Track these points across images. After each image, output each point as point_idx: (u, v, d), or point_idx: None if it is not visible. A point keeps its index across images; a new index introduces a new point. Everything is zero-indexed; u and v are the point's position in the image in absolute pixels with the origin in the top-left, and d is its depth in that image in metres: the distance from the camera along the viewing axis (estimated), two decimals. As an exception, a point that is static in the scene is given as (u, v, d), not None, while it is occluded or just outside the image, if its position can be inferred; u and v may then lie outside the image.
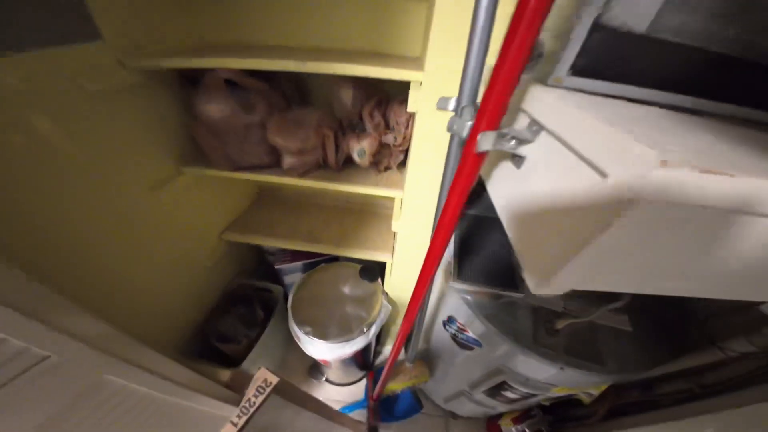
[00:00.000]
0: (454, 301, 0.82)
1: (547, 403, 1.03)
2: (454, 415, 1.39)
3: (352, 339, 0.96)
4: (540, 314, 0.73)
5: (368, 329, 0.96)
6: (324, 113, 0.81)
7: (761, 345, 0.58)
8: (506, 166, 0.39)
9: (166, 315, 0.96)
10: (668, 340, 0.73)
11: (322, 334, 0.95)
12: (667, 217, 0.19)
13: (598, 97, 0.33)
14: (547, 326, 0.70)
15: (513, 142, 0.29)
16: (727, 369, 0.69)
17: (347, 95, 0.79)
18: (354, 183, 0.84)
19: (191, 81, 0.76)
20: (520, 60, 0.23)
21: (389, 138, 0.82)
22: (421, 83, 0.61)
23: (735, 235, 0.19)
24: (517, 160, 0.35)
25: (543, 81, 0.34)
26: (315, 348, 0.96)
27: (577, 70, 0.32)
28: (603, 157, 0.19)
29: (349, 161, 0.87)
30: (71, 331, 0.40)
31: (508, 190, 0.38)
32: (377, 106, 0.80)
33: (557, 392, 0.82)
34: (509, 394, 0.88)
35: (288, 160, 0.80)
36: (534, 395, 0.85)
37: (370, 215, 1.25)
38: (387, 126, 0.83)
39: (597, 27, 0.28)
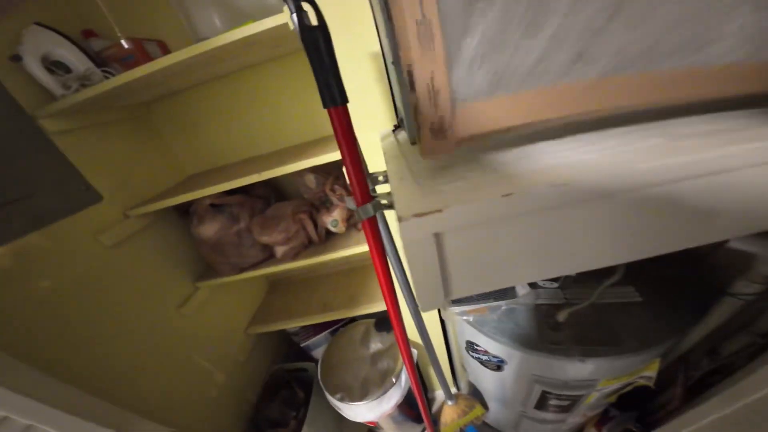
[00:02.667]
0: (464, 326, 0.84)
1: (613, 400, 0.95)
2: (533, 444, 1.27)
3: (387, 392, 0.97)
4: (541, 312, 0.74)
5: (397, 379, 0.97)
6: (296, 201, 0.95)
7: (759, 280, 0.56)
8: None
9: (212, 414, 1.04)
10: (684, 300, 0.70)
11: (357, 396, 0.97)
12: (472, 234, 0.27)
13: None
14: (549, 322, 0.71)
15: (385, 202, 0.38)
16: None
17: (309, 181, 0.94)
18: (340, 249, 0.94)
19: (185, 212, 0.94)
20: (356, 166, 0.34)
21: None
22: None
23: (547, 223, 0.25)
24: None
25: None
26: (354, 411, 0.97)
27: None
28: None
29: (330, 232, 0.98)
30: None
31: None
32: (336, 181, 0.93)
33: (606, 385, 0.77)
34: (557, 402, 0.84)
35: (279, 250, 0.92)
36: (582, 395, 0.81)
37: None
38: (349, 193, 0.96)
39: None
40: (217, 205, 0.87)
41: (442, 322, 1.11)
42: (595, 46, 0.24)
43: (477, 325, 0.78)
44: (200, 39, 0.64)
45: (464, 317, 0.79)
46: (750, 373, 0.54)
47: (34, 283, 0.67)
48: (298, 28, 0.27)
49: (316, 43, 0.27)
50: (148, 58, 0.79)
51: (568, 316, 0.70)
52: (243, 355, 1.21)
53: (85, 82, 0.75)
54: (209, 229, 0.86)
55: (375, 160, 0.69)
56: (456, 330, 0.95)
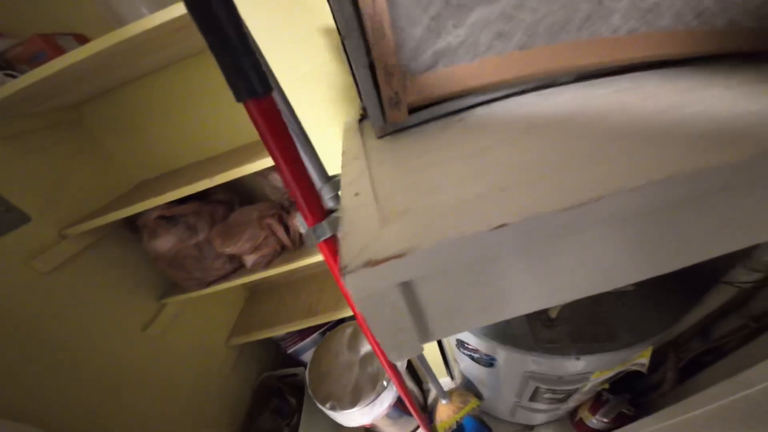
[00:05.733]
0: (453, 325, 0.79)
1: (606, 386, 0.94)
2: (530, 427, 1.29)
3: (379, 395, 0.93)
4: (533, 309, 0.70)
5: (389, 382, 0.93)
6: (263, 204, 0.86)
7: (760, 268, 0.53)
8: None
9: (204, 428, 0.98)
10: (677, 288, 0.67)
11: (348, 402, 0.93)
12: (454, 275, 0.20)
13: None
14: (542, 319, 0.67)
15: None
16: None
17: (276, 180, 0.84)
18: (317, 253, 0.86)
19: (134, 226, 0.83)
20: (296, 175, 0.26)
21: (328, 200, 0.85)
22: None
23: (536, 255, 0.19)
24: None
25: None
26: (347, 418, 0.93)
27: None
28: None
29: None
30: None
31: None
32: (305, 178, 0.84)
33: (599, 376, 0.75)
34: (551, 395, 0.82)
35: (248, 259, 0.84)
36: (576, 389, 0.79)
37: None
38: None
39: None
40: (169, 216, 0.76)
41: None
42: (509, 26, 0.30)
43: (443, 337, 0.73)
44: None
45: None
46: (748, 363, 0.51)
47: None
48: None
49: (207, 7, 0.18)
50: (63, 54, 0.67)
51: (561, 310, 0.66)
52: (227, 368, 1.14)
53: (-18, 87, 0.61)
54: (163, 244, 0.76)
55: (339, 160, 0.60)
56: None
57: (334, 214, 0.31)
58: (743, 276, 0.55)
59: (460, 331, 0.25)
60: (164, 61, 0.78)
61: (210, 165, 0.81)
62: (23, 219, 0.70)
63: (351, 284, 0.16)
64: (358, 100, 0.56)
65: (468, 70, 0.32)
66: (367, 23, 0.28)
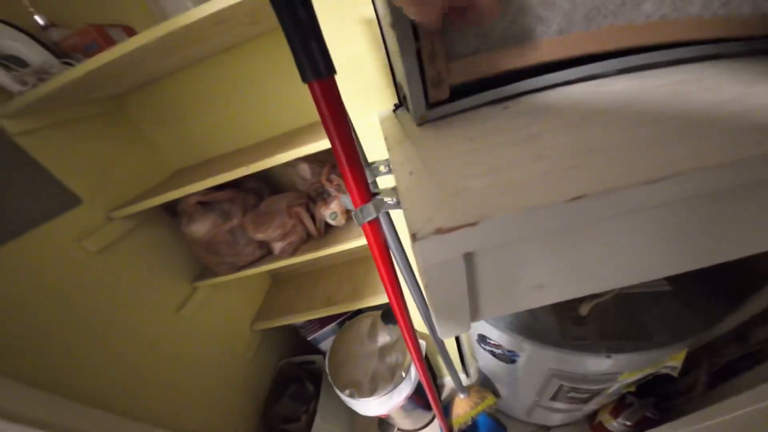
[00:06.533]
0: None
1: (632, 389, 0.92)
2: (546, 428, 1.27)
3: (397, 386, 0.94)
4: (561, 305, 0.69)
5: (407, 372, 0.94)
6: (292, 194, 0.88)
7: None
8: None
9: (224, 415, 1.02)
10: (717, 289, 0.64)
11: (367, 391, 0.95)
12: (515, 249, 0.20)
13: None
14: (572, 316, 0.65)
15: (390, 201, 0.31)
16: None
17: (304, 170, 0.86)
18: (341, 242, 0.88)
19: (174, 211, 0.88)
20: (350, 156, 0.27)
21: (354, 191, 0.87)
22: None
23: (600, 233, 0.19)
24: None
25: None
26: (364, 407, 0.95)
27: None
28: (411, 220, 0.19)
29: (330, 225, 0.92)
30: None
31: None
32: (332, 170, 0.86)
33: (627, 378, 0.73)
34: (574, 395, 0.80)
35: (277, 246, 0.87)
36: (601, 389, 0.77)
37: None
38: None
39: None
40: (206, 202, 0.80)
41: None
42: (549, 13, 0.31)
43: (491, 319, 0.73)
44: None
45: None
46: None
47: (15, 298, 0.62)
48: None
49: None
50: (114, 44, 0.71)
51: (592, 308, 0.65)
52: (250, 352, 1.19)
53: (43, 75, 0.66)
54: (200, 228, 0.80)
55: (375, 148, 0.61)
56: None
57: (378, 197, 0.32)
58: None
59: (507, 311, 0.25)
60: (203, 53, 0.81)
61: (244, 155, 0.84)
62: (76, 201, 0.75)
63: (420, 251, 0.17)
64: (393, 91, 0.57)
65: (508, 54, 0.33)
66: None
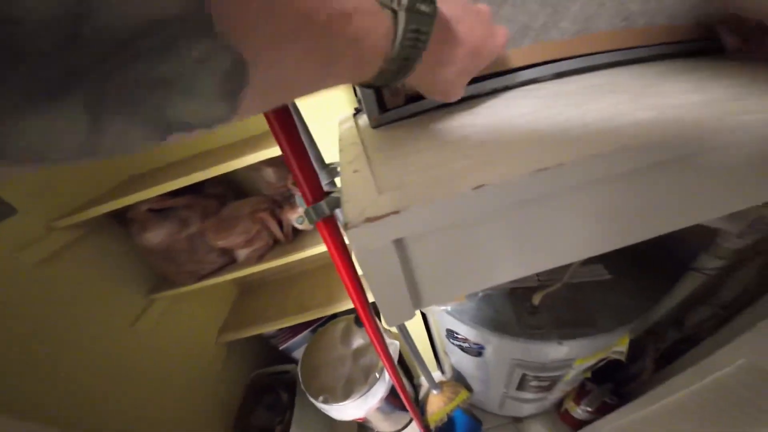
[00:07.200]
0: (443, 315, 0.82)
1: (588, 375, 0.99)
2: (518, 419, 1.32)
3: (372, 387, 0.94)
4: (517, 296, 0.73)
5: (381, 374, 0.95)
6: (255, 198, 0.87)
7: (723, 255, 0.57)
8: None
9: (195, 427, 0.97)
10: (650, 276, 0.72)
11: (341, 395, 0.94)
12: (441, 236, 0.22)
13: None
14: (526, 306, 0.70)
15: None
16: (733, 283, 0.66)
17: (269, 174, 0.85)
18: (310, 246, 0.87)
19: (123, 219, 0.82)
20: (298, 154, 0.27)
21: (322, 194, 0.87)
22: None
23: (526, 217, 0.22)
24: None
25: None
26: (339, 412, 0.94)
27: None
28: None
29: (298, 229, 0.91)
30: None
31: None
32: (298, 173, 0.85)
33: (581, 363, 0.79)
34: (537, 383, 0.85)
35: (241, 254, 0.84)
36: (560, 375, 0.82)
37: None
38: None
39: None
40: (159, 209, 0.76)
41: (422, 312, 1.09)
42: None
43: (456, 313, 0.75)
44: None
45: (442, 307, 0.77)
46: (715, 349, 0.56)
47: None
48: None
49: None
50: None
51: (543, 298, 0.69)
52: (218, 364, 1.13)
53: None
54: (154, 236, 0.76)
55: (335, 150, 0.62)
56: (436, 318, 0.93)
57: (332, 195, 0.33)
58: (709, 263, 0.60)
59: (448, 299, 0.27)
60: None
61: (203, 159, 0.81)
62: (9, 211, 0.69)
63: (353, 239, 0.19)
64: (354, 96, 0.59)
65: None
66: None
